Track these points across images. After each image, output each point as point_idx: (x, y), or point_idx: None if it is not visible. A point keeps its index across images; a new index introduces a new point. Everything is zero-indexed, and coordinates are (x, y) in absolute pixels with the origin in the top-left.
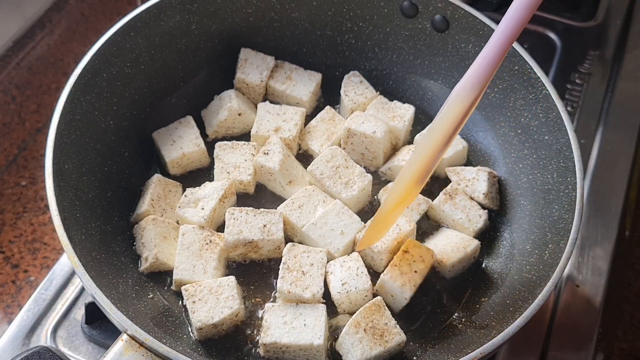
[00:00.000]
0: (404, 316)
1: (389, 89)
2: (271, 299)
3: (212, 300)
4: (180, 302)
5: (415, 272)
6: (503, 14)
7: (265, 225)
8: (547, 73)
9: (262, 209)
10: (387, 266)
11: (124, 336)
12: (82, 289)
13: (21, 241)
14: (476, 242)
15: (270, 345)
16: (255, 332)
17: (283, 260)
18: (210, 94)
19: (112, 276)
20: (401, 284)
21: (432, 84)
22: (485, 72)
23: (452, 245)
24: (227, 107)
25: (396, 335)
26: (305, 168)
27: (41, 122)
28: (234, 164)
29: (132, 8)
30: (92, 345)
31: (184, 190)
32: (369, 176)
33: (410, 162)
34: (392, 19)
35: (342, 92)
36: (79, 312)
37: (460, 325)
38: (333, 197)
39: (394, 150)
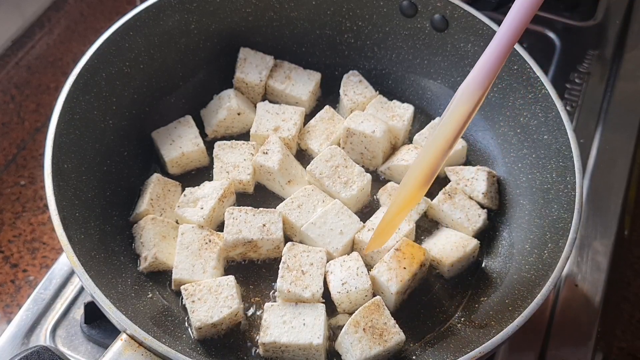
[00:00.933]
0: (403, 315)
1: (388, 88)
2: (271, 299)
3: (212, 300)
4: (179, 302)
5: (404, 268)
6: (502, 13)
7: (264, 225)
8: (546, 72)
9: (261, 209)
10: None
11: (123, 336)
12: (81, 289)
13: (20, 241)
14: (475, 242)
15: (270, 344)
16: (254, 332)
17: (283, 259)
18: (210, 93)
19: (111, 276)
20: (387, 278)
21: (431, 84)
22: (488, 72)
23: (451, 244)
24: (226, 107)
25: (395, 335)
26: (305, 167)
27: (40, 121)
28: (233, 164)
29: (131, 7)
30: (92, 344)
31: (183, 190)
32: (368, 176)
33: (415, 164)
34: (392, 19)
35: (341, 91)
36: (78, 312)
37: (460, 325)
38: (332, 197)
39: (393, 149)
